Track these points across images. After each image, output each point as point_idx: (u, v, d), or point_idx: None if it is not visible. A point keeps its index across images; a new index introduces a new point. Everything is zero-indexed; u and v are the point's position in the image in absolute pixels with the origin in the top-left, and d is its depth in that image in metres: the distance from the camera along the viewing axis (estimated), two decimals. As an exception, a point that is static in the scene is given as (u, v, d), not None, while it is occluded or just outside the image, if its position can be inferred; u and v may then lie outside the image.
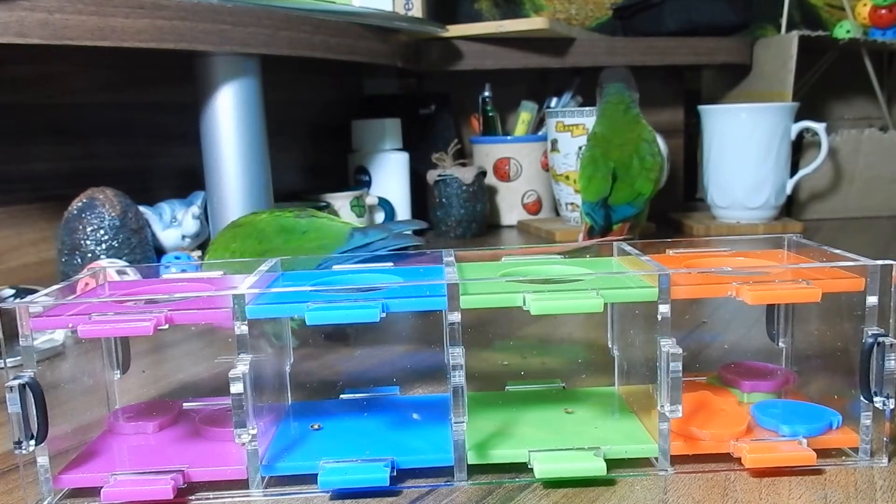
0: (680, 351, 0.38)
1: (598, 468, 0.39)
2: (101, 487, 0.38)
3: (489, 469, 0.40)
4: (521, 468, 0.40)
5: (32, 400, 0.37)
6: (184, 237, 0.90)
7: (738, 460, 0.40)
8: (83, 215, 0.78)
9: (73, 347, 0.62)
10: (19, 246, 0.88)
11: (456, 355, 0.38)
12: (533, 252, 0.51)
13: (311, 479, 0.39)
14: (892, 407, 0.38)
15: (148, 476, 0.39)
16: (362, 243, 0.60)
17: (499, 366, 0.58)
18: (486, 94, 1.29)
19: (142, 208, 0.86)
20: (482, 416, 0.45)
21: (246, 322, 0.39)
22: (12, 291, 0.74)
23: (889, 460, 0.40)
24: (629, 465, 0.40)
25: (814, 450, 0.39)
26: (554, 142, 1.18)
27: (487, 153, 1.29)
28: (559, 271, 0.46)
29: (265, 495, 0.39)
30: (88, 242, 0.78)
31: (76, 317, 0.39)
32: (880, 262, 0.39)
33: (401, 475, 0.40)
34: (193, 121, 0.86)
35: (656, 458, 0.40)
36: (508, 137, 1.29)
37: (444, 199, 1.19)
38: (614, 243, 0.51)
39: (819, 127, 1.17)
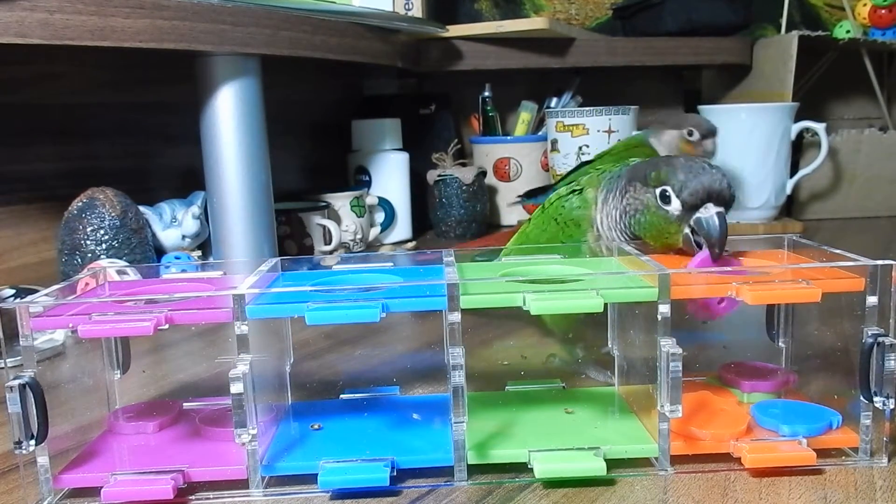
0: (680, 351, 0.38)
1: (598, 468, 0.39)
2: (101, 487, 0.38)
3: (489, 469, 0.40)
4: (521, 468, 0.40)
5: (32, 400, 0.37)
6: (184, 237, 0.90)
7: (738, 460, 0.40)
8: (83, 215, 0.78)
9: (73, 347, 0.62)
10: (19, 246, 0.88)
11: (456, 355, 0.38)
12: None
13: (311, 479, 0.39)
14: (892, 407, 0.38)
15: (148, 476, 0.39)
16: None
17: (499, 366, 0.58)
18: (486, 94, 1.29)
19: (142, 208, 0.86)
20: (482, 416, 0.45)
21: (246, 322, 0.39)
22: (12, 291, 0.74)
23: (889, 460, 0.40)
24: (629, 465, 0.40)
25: (814, 450, 0.39)
26: (554, 142, 1.18)
27: (487, 153, 1.28)
28: (559, 271, 0.46)
29: (265, 495, 0.39)
30: (88, 242, 0.78)
31: (76, 317, 0.39)
32: (880, 262, 0.39)
33: (401, 475, 0.40)
34: (193, 121, 0.86)
35: (656, 458, 0.40)
36: (508, 137, 1.29)
37: (444, 199, 1.19)
38: (614, 244, 0.51)
39: (819, 127, 1.17)
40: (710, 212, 0.45)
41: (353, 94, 1.37)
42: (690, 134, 0.84)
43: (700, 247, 0.46)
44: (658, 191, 0.47)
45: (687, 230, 0.46)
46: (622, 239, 0.51)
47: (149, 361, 0.63)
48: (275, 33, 0.82)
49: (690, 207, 0.46)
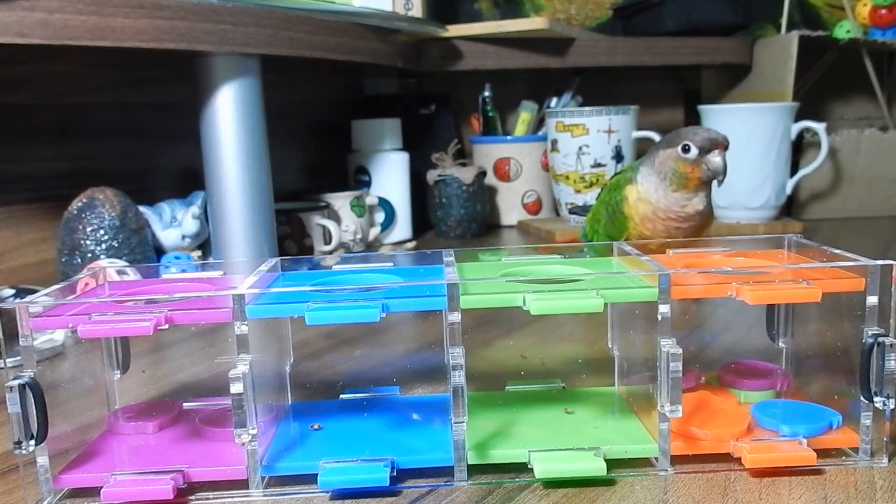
0: (680, 351, 0.38)
1: (598, 468, 0.39)
2: (101, 487, 0.38)
3: (489, 469, 0.40)
4: (521, 468, 0.40)
5: (32, 400, 0.37)
6: (184, 237, 0.90)
7: (738, 460, 0.40)
8: (83, 215, 0.78)
9: (73, 347, 0.62)
10: (19, 246, 0.88)
11: (456, 355, 0.38)
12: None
13: (311, 479, 0.39)
14: (892, 407, 0.38)
15: (148, 476, 0.39)
16: None
17: (499, 366, 0.58)
18: (486, 94, 1.29)
19: (142, 208, 0.86)
20: (482, 416, 0.45)
21: (246, 322, 0.39)
22: (12, 291, 0.74)
23: (889, 460, 0.40)
24: (629, 465, 0.40)
25: (814, 450, 0.39)
26: (554, 142, 1.18)
27: (487, 153, 1.29)
28: (559, 271, 0.46)
29: (265, 495, 0.39)
30: (88, 242, 0.78)
31: (76, 317, 0.39)
32: (880, 262, 0.39)
33: (401, 475, 0.40)
34: (193, 121, 0.86)
35: (656, 458, 0.40)
36: (508, 137, 1.29)
37: (444, 199, 1.19)
38: (614, 244, 0.51)
39: (819, 127, 1.17)
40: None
41: (353, 94, 1.37)
42: (686, 150, 0.64)
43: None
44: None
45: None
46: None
47: (149, 361, 0.63)
48: (275, 33, 0.82)
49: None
